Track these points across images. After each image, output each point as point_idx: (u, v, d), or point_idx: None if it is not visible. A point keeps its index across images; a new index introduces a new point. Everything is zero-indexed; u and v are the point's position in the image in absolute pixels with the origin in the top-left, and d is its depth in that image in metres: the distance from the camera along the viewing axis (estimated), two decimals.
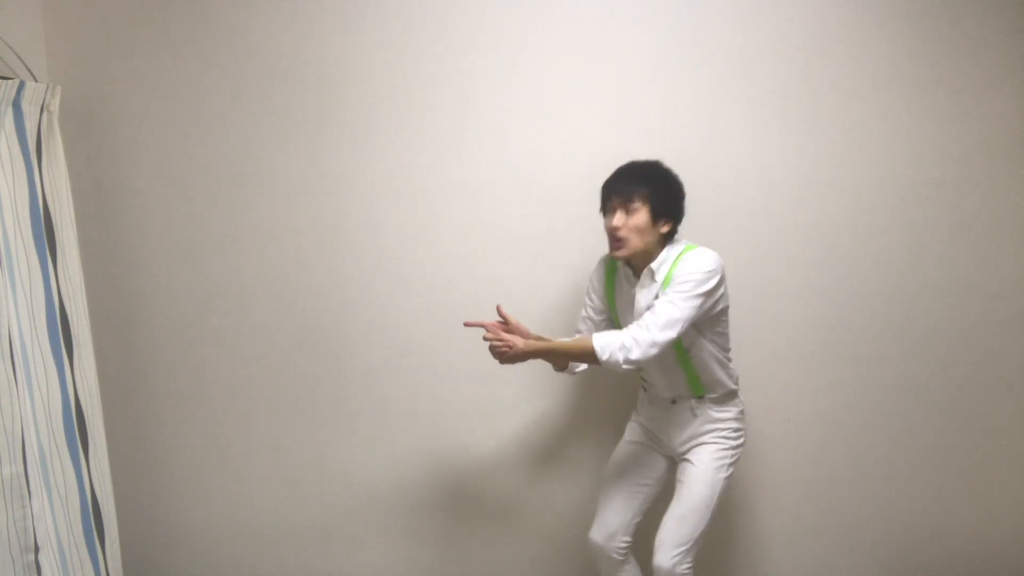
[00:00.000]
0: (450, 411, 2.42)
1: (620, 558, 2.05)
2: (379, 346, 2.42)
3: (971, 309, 2.24)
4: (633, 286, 1.93)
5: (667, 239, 1.90)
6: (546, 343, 1.88)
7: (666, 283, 1.82)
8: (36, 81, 2.25)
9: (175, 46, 2.40)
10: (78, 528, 2.28)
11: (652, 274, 1.87)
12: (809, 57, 2.19)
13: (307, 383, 2.47)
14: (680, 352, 1.91)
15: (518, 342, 1.84)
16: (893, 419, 2.29)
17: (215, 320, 2.48)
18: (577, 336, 2.06)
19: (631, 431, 2.14)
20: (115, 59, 2.43)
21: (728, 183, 2.23)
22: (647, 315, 1.79)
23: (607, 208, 1.91)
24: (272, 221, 2.41)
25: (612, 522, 2.04)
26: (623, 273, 1.99)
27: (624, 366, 1.76)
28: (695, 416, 1.98)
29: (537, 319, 2.15)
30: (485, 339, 1.86)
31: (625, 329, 1.79)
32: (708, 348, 1.92)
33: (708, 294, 1.80)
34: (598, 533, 2.06)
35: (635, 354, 1.74)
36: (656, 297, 1.83)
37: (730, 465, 1.96)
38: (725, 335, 1.97)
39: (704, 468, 1.93)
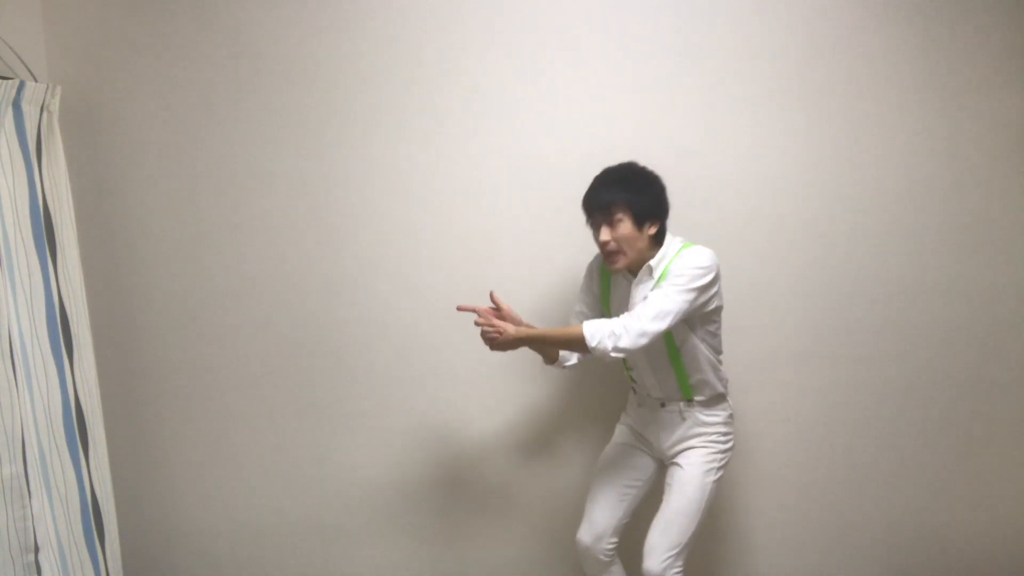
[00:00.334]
0: (450, 411, 2.42)
1: (607, 559, 2.05)
2: (380, 346, 2.42)
3: (971, 309, 2.24)
4: (630, 282, 1.94)
5: (658, 237, 1.91)
6: (537, 330, 1.91)
7: (662, 278, 1.83)
8: (36, 81, 2.25)
9: (175, 46, 2.40)
10: (78, 528, 2.28)
11: (651, 271, 1.88)
12: (808, 57, 2.19)
13: (307, 383, 2.47)
14: (671, 350, 1.92)
15: (509, 328, 1.85)
16: (893, 419, 2.29)
17: (215, 320, 2.48)
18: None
19: (620, 433, 2.15)
20: (115, 59, 2.43)
21: (728, 182, 2.23)
22: (639, 305, 1.80)
23: (591, 223, 1.93)
24: (273, 221, 2.41)
25: (600, 523, 2.04)
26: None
27: (612, 354, 1.76)
28: (684, 419, 1.98)
29: (539, 319, 2.15)
30: (477, 324, 1.87)
31: (616, 318, 1.80)
32: (700, 348, 1.92)
33: (702, 289, 1.81)
34: (586, 534, 2.06)
35: (624, 342, 1.75)
36: (652, 291, 1.84)
37: (719, 468, 1.96)
38: (718, 337, 1.98)
39: (693, 472, 1.93)
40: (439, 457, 2.45)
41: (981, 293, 2.23)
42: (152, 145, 2.45)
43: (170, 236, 2.47)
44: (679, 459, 1.97)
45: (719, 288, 1.89)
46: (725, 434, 1.99)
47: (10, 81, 2.10)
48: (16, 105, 2.13)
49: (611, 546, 2.04)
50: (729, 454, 2.00)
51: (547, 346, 1.94)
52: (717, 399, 1.99)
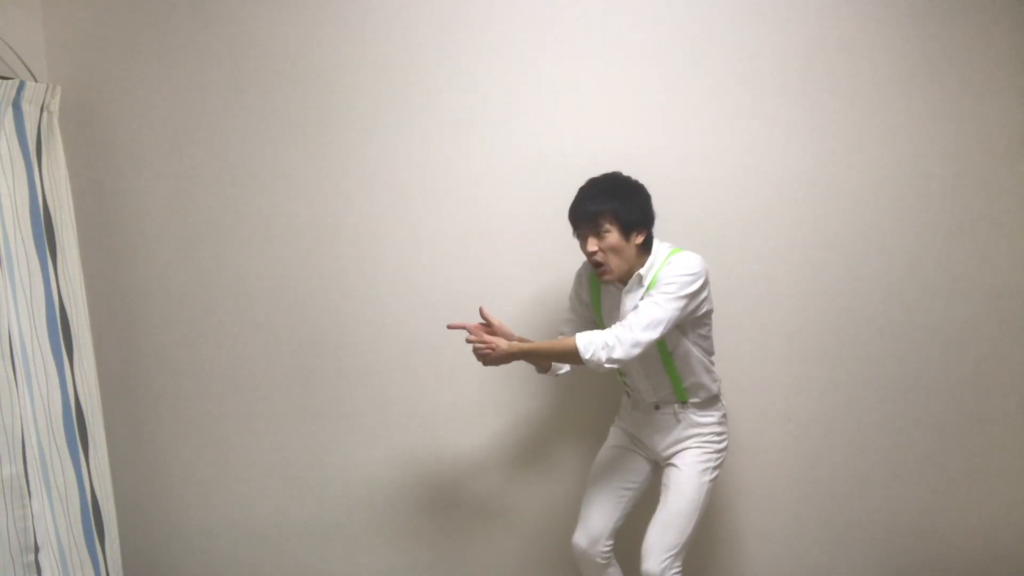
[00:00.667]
0: (450, 411, 2.42)
1: (603, 562, 2.05)
2: (379, 346, 2.42)
3: (971, 309, 2.24)
4: (620, 290, 1.94)
5: (645, 245, 1.91)
6: (529, 344, 1.93)
7: (652, 285, 1.83)
8: (36, 81, 2.26)
9: (175, 46, 2.40)
10: (78, 528, 2.28)
11: (640, 279, 1.88)
12: (809, 57, 2.19)
13: (307, 383, 2.47)
14: (664, 355, 1.92)
15: (501, 343, 1.87)
16: (893, 419, 2.29)
17: (215, 320, 2.48)
18: (560, 337, 2.06)
19: (614, 436, 2.15)
20: (115, 59, 2.43)
21: (728, 182, 2.23)
22: (631, 315, 1.80)
23: (578, 235, 1.93)
24: (273, 221, 2.41)
25: (596, 526, 2.04)
26: None
27: (606, 365, 1.77)
28: (678, 421, 1.98)
29: (539, 319, 2.15)
30: (468, 341, 1.89)
31: (608, 328, 1.80)
32: (692, 351, 1.92)
33: (692, 296, 1.81)
34: (582, 537, 2.05)
35: (617, 353, 1.75)
36: (642, 299, 1.84)
37: (715, 468, 1.97)
38: (709, 339, 1.98)
39: (690, 472, 1.93)
40: (438, 458, 2.45)
41: (982, 293, 2.23)
42: (152, 145, 2.45)
43: (170, 236, 2.47)
44: (675, 460, 1.97)
45: (709, 292, 1.89)
46: (719, 434, 2.00)
47: (10, 81, 2.10)
48: (16, 105, 2.13)
49: (607, 549, 2.04)
50: (724, 454, 2.01)
51: (540, 359, 1.94)
52: (711, 400, 1.99)
